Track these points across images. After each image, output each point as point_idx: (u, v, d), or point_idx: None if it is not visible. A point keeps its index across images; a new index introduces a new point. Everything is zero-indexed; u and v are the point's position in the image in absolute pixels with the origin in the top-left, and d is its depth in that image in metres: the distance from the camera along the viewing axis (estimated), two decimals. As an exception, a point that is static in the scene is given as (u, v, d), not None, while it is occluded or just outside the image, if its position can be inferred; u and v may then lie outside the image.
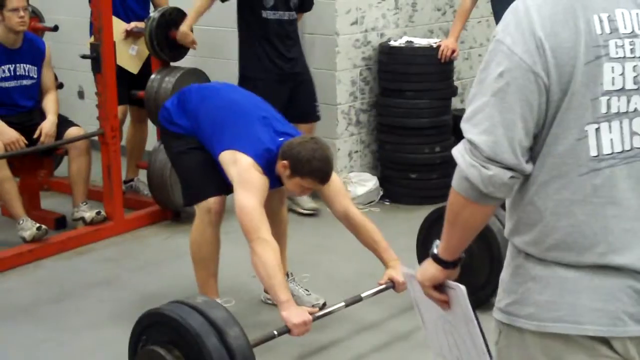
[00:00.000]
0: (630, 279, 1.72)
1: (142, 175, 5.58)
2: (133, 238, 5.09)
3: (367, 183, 5.50)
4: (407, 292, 2.25)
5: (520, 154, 1.69)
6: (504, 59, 1.68)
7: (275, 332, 3.19)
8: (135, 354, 2.99)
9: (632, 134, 1.70)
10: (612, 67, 1.68)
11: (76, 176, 5.04)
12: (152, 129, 5.59)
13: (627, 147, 1.70)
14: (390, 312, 3.95)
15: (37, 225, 4.75)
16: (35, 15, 5.96)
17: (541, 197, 1.73)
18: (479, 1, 5.45)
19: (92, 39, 5.10)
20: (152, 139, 5.56)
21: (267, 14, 5.00)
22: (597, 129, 1.69)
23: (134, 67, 5.48)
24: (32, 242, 4.73)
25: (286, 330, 3.20)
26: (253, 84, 4.81)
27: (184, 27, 5.05)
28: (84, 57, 5.08)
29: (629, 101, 1.69)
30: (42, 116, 5.02)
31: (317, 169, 3.46)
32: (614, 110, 1.69)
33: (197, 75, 5.24)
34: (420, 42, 5.59)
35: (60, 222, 5.22)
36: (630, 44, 1.69)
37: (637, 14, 1.71)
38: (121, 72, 5.24)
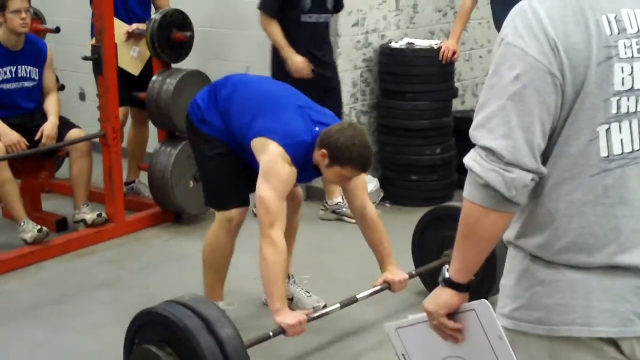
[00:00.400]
0: (639, 280, 1.73)
1: (144, 177, 5.58)
2: (134, 240, 5.10)
3: (368, 185, 5.49)
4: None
5: (539, 157, 1.68)
6: (518, 61, 1.67)
7: (271, 333, 3.20)
8: (131, 353, 3.01)
9: None
10: (622, 68, 1.68)
11: (77, 178, 5.04)
12: (153, 130, 5.59)
13: (637, 147, 1.71)
14: (386, 312, 3.95)
15: (39, 227, 4.75)
16: (37, 17, 5.96)
17: (552, 199, 1.73)
18: (480, 3, 5.46)
19: (93, 41, 5.10)
20: (153, 141, 5.56)
21: (305, 18, 4.97)
22: (608, 130, 1.69)
23: (135, 69, 5.48)
24: (34, 244, 4.73)
25: (281, 332, 3.21)
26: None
27: (294, 59, 4.91)
28: (85, 59, 5.08)
29: (637, 101, 1.70)
30: (44, 118, 5.02)
31: (357, 156, 3.34)
32: (624, 110, 1.69)
33: (199, 77, 5.24)
34: (421, 43, 5.59)
35: (61, 224, 5.22)
36: (638, 44, 1.70)
37: None
38: (122, 74, 5.24)
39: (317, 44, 5.05)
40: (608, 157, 1.70)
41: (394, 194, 5.60)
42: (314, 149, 3.43)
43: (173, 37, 5.13)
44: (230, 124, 3.63)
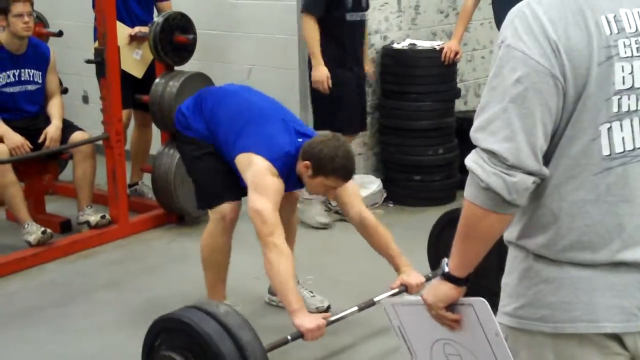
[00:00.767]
0: None
1: (147, 179, 5.60)
2: (138, 241, 5.11)
3: (371, 185, 5.51)
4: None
5: (540, 159, 1.69)
6: (519, 64, 1.67)
7: (289, 337, 3.15)
8: (149, 359, 2.99)
9: None
10: (622, 67, 1.69)
11: (81, 180, 5.06)
12: (156, 132, 5.61)
13: (638, 145, 1.72)
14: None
15: (42, 229, 4.77)
16: (40, 20, 5.98)
17: (555, 199, 1.73)
18: (482, 3, 5.47)
19: (96, 44, 5.12)
20: (156, 143, 5.58)
21: (349, 16, 5.01)
22: (609, 128, 1.70)
23: (138, 72, 5.49)
24: (37, 246, 4.74)
25: (299, 335, 3.16)
26: (338, 90, 4.93)
27: (321, 71, 4.95)
28: (88, 62, 5.09)
29: (638, 99, 1.71)
30: (47, 121, 5.03)
31: (340, 166, 3.40)
32: (624, 109, 1.70)
33: (202, 79, 5.26)
34: (423, 44, 5.60)
35: (65, 226, 5.24)
36: (636, 43, 1.71)
37: (638, 12, 1.73)
38: (125, 76, 5.26)
39: (356, 41, 5.12)
40: (610, 155, 1.70)
41: (397, 194, 5.60)
42: (296, 164, 3.49)
43: (175, 39, 5.14)
44: (216, 134, 3.70)
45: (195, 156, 3.79)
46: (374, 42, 5.68)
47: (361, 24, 5.17)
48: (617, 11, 1.71)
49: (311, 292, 4.02)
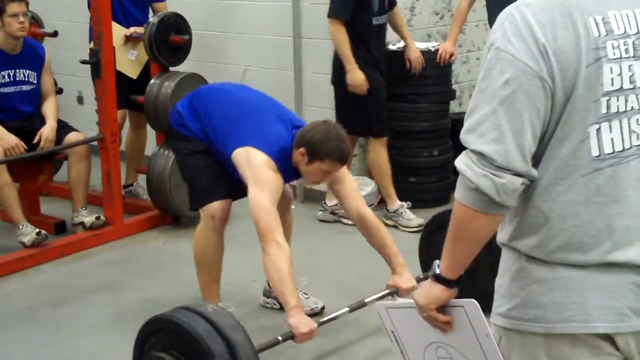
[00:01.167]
0: (633, 275, 1.75)
1: (142, 180, 5.59)
2: (133, 242, 5.11)
3: (366, 187, 5.50)
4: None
5: (529, 160, 1.70)
6: (508, 66, 1.69)
7: (280, 338, 3.17)
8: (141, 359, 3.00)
9: (631, 132, 1.73)
10: (611, 68, 1.70)
11: (76, 181, 5.05)
12: (151, 133, 5.60)
13: (627, 146, 1.73)
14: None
15: (37, 230, 4.76)
16: (35, 20, 5.97)
17: (545, 200, 1.74)
18: (476, 5, 5.47)
19: (91, 45, 5.12)
20: (151, 144, 5.57)
21: (375, 20, 5.02)
22: (598, 130, 1.71)
23: (133, 72, 5.49)
24: (32, 247, 4.74)
25: (290, 336, 3.18)
26: (369, 93, 4.95)
27: (357, 75, 4.94)
28: (83, 62, 5.09)
29: (626, 100, 1.72)
30: (42, 121, 5.03)
31: (334, 148, 3.41)
32: (613, 110, 1.71)
33: (197, 80, 5.25)
34: (418, 46, 5.59)
35: (60, 227, 5.23)
36: (625, 44, 1.72)
37: (627, 14, 1.74)
38: (120, 77, 5.25)
39: (380, 44, 5.14)
40: (599, 156, 1.72)
41: (392, 195, 5.59)
42: (291, 155, 3.50)
43: (171, 40, 5.14)
44: (210, 132, 3.69)
45: (186, 154, 3.79)
46: (370, 44, 5.68)
47: (385, 27, 5.18)
48: (605, 13, 1.72)
49: (305, 293, 4.02)
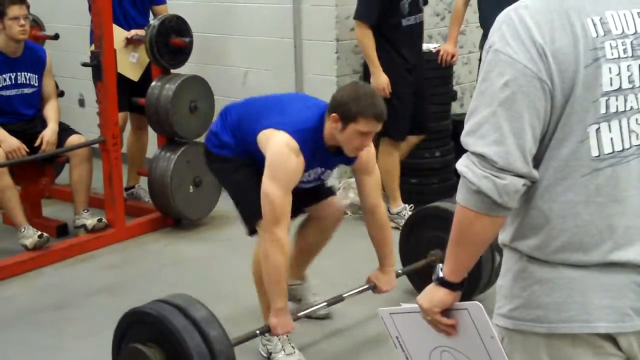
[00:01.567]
0: (635, 275, 1.75)
1: (143, 182, 5.59)
2: (134, 245, 5.11)
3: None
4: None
5: (530, 162, 1.71)
6: (507, 68, 1.69)
7: (257, 332, 3.29)
8: (119, 352, 3.04)
9: (630, 132, 1.74)
10: (610, 68, 1.70)
11: (77, 184, 5.06)
12: (152, 135, 5.60)
13: (627, 146, 1.73)
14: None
15: (39, 233, 4.76)
16: (36, 23, 5.98)
17: (546, 200, 1.75)
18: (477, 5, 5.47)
19: (92, 47, 5.12)
20: (152, 146, 5.57)
21: (405, 21, 5.00)
22: (598, 130, 1.71)
23: (134, 75, 5.49)
24: (34, 250, 4.74)
25: (267, 330, 3.31)
26: (397, 99, 4.95)
27: (381, 78, 4.93)
28: (84, 65, 5.10)
29: (625, 100, 1.72)
30: (44, 124, 5.03)
31: (366, 104, 3.20)
32: (612, 110, 1.71)
33: (198, 82, 5.26)
34: (418, 47, 5.60)
35: (61, 230, 5.24)
36: (623, 44, 1.72)
37: (624, 14, 1.75)
38: (122, 79, 5.26)
39: (412, 44, 5.10)
40: (599, 156, 1.72)
41: (394, 197, 5.59)
42: (322, 132, 3.31)
43: (172, 42, 5.14)
44: (242, 135, 3.50)
45: (230, 170, 3.56)
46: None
47: (418, 26, 5.14)
48: (602, 13, 1.72)
49: (315, 294, 3.96)
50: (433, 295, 1.91)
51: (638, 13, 1.76)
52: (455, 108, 5.94)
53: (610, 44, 1.71)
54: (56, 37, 5.73)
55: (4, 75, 4.95)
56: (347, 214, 4.85)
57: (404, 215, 5.17)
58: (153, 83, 5.20)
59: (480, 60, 5.37)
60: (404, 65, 5.06)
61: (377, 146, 5.13)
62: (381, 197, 3.69)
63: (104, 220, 5.07)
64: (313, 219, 3.75)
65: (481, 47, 5.55)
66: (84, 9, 5.49)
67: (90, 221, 5.01)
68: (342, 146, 3.32)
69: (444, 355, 2.01)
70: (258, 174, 3.32)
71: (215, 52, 6.02)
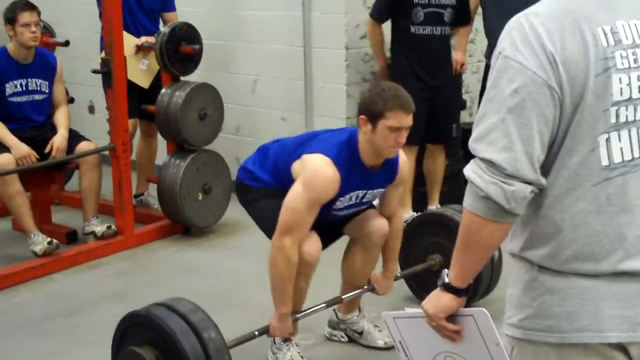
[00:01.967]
0: None
1: (152, 189, 5.60)
2: (143, 252, 5.11)
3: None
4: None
5: (538, 169, 1.71)
6: (517, 74, 1.69)
7: (256, 333, 3.32)
8: (118, 355, 3.06)
9: None
10: (620, 78, 1.70)
11: (87, 190, 5.07)
12: (162, 143, 5.61)
13: (637, 155, 1.74)
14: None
15: (48, 239, 4.77)
16: (47, 30, 6.00)
17: (557, 210, 1.75)
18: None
19: (103, 54, 5.14)
20: (162, 153, 5.58)
21: (415, 29, 5.05)
22: (608, 139, 1.71)
23: (144, 82, 5.51)
24: (43, 257, 4.75)
25: (266, 330, 3.35)
26: None
27: (380, 64, 5.28)
28: (94, 72, 5.11)
29: (635, 110, 1.72)
30: (54, 131, 5.05)
31: (391, 96, 3.16)
32: (622, 119, 1.71)
33: (207, 89, 5.28)
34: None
35: (71, 236, 5.25)
36: (633, 54, 1.72)
37: (635, 24, 1.75)
38: (131, 86, 5.27)
39: (429, 57, 5.12)
40: (609, 165, 1.72)
41: (402, 205, 5.58)
42: (357, 148, 3.27)
43: (181, 50, 5.16)
44: (278, 173, 3.47)
45: (263, 197, 3.51)
46: (380, 53, 5.68)
47: (438, 40, 5.13)
48: (613, 23, 1.72)
49: (377, 325, 3.84)
50: (438, 300, 1.92)
51: None
52: (464, 117, 5.94)
53: (621, 54, 1.71)
54: (67, 43, 5.74)
55: (14, 82, 4.97)
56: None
57: None
58: (163, 90, 5.22)
59: (486, 68, 5.39)
60: (412, 72, 5.07)
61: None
62: (400, 209, 3.70)
63: (113, 227, 5.08)
64: (356, 242, 3.67)
65: (486, 57, 5.55)
66: (94, 16, 5.52)
67: (99, 228, 5.02)
68: (379, 151, 3.26)
69: None
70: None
71: (225, 60, 6.03)
